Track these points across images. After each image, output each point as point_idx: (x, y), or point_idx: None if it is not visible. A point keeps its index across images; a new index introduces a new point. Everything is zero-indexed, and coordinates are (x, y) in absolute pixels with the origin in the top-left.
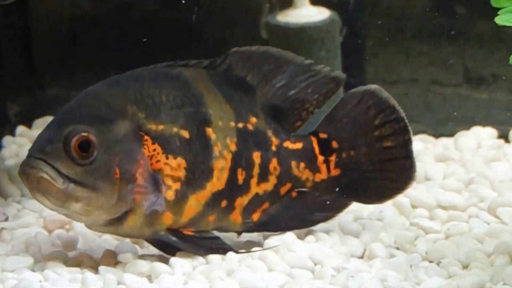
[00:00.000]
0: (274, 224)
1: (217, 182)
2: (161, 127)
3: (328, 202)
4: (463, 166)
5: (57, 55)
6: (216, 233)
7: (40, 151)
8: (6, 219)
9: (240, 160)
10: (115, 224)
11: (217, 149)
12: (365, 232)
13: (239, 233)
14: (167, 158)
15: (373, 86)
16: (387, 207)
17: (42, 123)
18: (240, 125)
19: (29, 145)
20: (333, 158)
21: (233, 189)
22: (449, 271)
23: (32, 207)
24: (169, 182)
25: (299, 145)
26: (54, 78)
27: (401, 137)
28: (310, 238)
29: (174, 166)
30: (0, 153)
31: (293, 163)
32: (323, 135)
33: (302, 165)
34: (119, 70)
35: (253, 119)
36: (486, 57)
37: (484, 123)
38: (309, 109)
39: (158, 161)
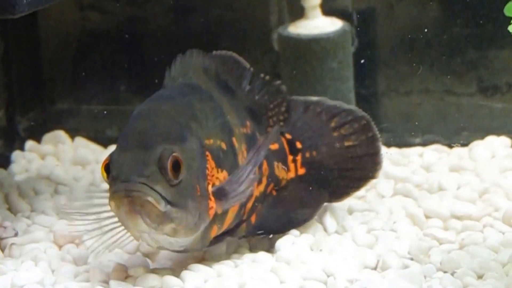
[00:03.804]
0: (265, 225)
1: None
2: (211, 141)
3: (304, 198)
4: (478, 176)
5: (67, 69)
6: None
7: (139, 174)
8: (16, 235)
9: None
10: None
11: (240, 158)
12: (378, 243)
13: (240, 237)
14: (217, 171)
15: (315, 98)
16: (400, 218)
17: (51, 137)
18: (244, 130)
19: (38, 160)
20: (299, 157)
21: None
22: (463, 281)
23: (42, 222)
24: None
25: (276, 146)
26: (63, 93)
27: (363, 135)
28: (322, 249)
29: (222, 179)
30: (9, 168)
31: (275, 163)
32: (288, 136)
33: (280, 165)
34: (130, 84)
35: (248, 123)
36: (500, 66)
37: (498, 132)
38: (273, 117)
39: (213, 175)
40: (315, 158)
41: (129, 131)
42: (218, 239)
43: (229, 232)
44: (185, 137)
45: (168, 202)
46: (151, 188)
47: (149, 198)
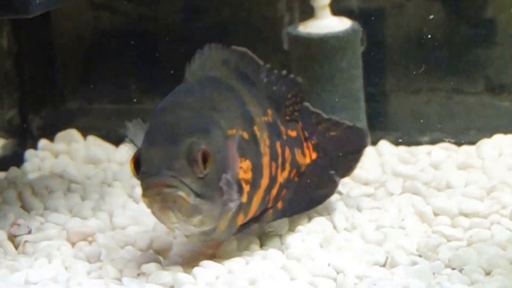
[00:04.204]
0: (290, 209)
1: (266, 178)
2: (233, 131)
3: (322, 179)
4: (485, 174)
5: (79, 68)
6: None
7: (169, 168)
8: (29, 232)
9: (272, 153)
10: (209, 231)
11: (261, 146)
12: (387, 240)
13: (268, 222)
14: (241, 161)
15: None
16: (409, 215)
17: (64, 136)
18: (265, 118)
19: (51, 159)
20: (309, 144)
21: (270, 182)
22: (471, 278)
23: (55, 220)
24: (243, 185)
25: (295, 133)
26: (76, 92)
27: (340, 127)
28: (332, 246)
29: (245, 169)
30: (22, 166)
31: (295, 150)
32: (300, 124)
33: (299, 151)
34: (141, 83)
35: (269, 111)
36: (507, 65)
37: (505, 131)
38: (290, 107)
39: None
40: (317, 144)
41: (155, 126)
42: (244, 226)
43: (255, 219)
44: (209, 129)
45: (197, 194)
46: (181, 181)
47: (180, 193)
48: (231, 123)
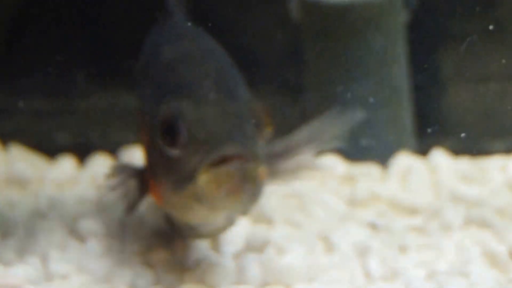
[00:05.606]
0: None
1: None
2: None
3: None
4: None
5: None
6: None
7: (242, 134)
8: None
9: None
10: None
11: None
12: None
13: None
14: None
15: None
16: (474, 257)
17: None
18: None
19: None
20: None
21: None
22: None
23: None
24: None
25: None
26: None
27: None
28: None
29: None
30: None
31: None
32: None
33: None
34: (85, 72)
35: None
36: None
37: None
38: None
39: None
40: None
41: (188, 78)
42: None
43: None
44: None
45: None
46: (256, 151)
47: (261, 167)
48: None
